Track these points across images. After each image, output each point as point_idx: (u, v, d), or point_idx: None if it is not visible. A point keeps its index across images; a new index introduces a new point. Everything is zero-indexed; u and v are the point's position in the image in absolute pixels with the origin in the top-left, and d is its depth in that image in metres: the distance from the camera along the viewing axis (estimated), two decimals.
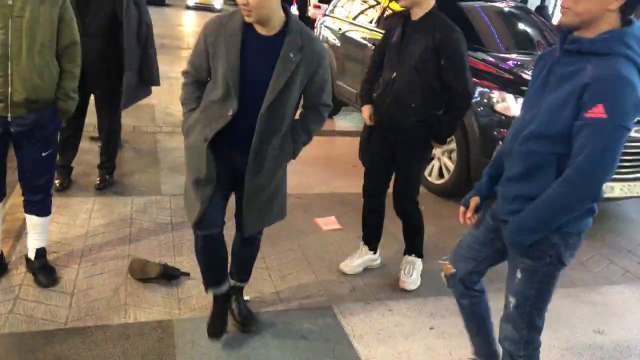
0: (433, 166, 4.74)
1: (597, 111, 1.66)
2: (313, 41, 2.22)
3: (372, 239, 3.33)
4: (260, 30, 2.18)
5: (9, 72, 2.44)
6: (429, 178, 4.74)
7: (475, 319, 2.33)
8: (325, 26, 6.96)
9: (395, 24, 2.98)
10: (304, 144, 2.42)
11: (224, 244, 2.53)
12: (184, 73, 2.36)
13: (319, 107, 2.37)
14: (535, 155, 1.85)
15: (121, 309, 2.73)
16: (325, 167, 5.08)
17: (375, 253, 3.36)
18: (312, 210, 4.14)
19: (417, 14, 2.83)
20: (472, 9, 5.37)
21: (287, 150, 2.35)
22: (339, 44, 6.51)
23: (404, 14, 2.93)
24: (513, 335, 2.03)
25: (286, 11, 2.20)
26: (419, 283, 3.23)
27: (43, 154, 2.70)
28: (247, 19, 2.12)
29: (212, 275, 2.58)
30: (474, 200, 2.16)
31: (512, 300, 2.01)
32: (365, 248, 3.34)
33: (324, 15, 7.26)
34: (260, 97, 2.16)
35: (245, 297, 2.80)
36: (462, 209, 2.18)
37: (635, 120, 1.74)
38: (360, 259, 3.33)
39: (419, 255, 3.27)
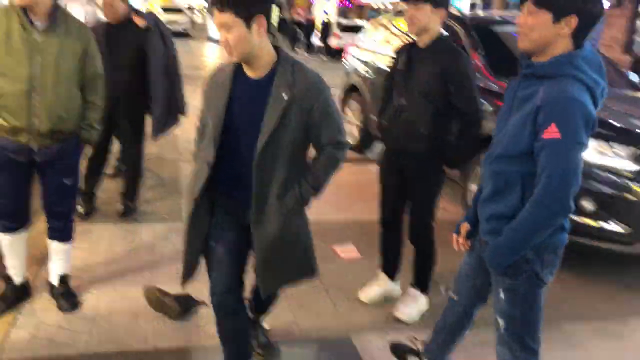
0: None
1: (552, 130, 1.77)
2: (306, 77, 2.03)
3: (390, 268, 3.30)
4: (250, 73, 2.05)
5: (35, 104, 2.53)
6: None
7: (452, 329, 2.39)
8: (354, 57, 6.70)
9: (402, 50, 3.02)
10: (315, 190, 2.16)
11: (241, 318, 2.31)
12: (196, 129, 2.27)
13: (326, 148, 2.11)
14: (502, 175, 1.96)
15: (140, 335, 2.74)
16: (348, 194, 5.08)
17: (394, 282, 3.33)
18: (331, 237, 4.12)
19: (423, 41, 2.86)
20: (508, 34, 5.07)
21: (294, 199, 2.12)
22: (369, 76, 6.20)
23: (410, 41, 2.97)
24: (509, 358, 2.07)
25: (277, 50, 2.06)
26: (416, 319, 3.11)
27: (66, 182, 2.78)
28: (231, 59, 2.00)
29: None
30: (464, 227, 2.23)
31: (501, 322, 2.06)
32: (384, 277, 3.31)
33: (352, 45, 6.99)
34: (251, 144, 2.02)
35: (265, 326, 2.77)
36: (454, 236, 2.26)
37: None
38: (379, 288, 3.30)
39: (424, 288, 3.18)
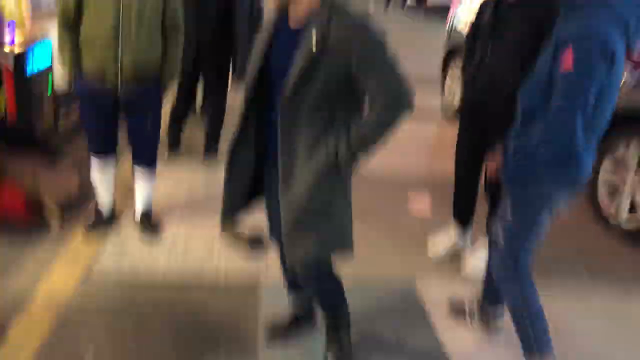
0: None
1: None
2: (344, 25, 1.78)
3: (461, 223, 3.24)
4: (290, 21, 1.88)
5: (119, 51, 2.71)
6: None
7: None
8: (459, 16, 5.91)
9: (488, 2, 2.82)
10: (355, 155, 1.85)
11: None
12: None
13: (375, 107, 1.82)
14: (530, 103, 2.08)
15: (214, 268, 2.91)
16: (429, 147, 4.99)
17: (464, 236, 3.26)
18: (407, 188, 4.08)
19: None
20: None
21: (327, 163, 1.85)
22: None
23: None
24: (499, 263, 2.22)
25: None
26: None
27: (149, 120, 2.96)
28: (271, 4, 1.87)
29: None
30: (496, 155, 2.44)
31: (500, 229, 2.19)
32: (455, 230, 3.25)
33: (458, 3, 6.16)
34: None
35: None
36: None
37: None
38: (448, 239, 3.25)
39: None
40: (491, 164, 2.44)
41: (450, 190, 3.21)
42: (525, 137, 2.04)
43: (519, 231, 2.15)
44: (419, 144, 5.09)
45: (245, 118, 1.98)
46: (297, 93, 1.81)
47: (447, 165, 4.42)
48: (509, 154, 2.13)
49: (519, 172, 2.08)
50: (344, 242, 1.99)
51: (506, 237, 2.18)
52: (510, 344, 2.54)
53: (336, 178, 1.91)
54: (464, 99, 3.01)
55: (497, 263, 2.26)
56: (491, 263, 2.33)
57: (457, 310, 2.66)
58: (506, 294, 2.26)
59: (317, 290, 2.18)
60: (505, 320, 2.63)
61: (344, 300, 2.27)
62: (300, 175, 1.87)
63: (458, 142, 3.09)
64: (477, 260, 3.08)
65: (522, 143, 2.06)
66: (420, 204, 3.87)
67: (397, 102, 1.80)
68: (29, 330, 2.33)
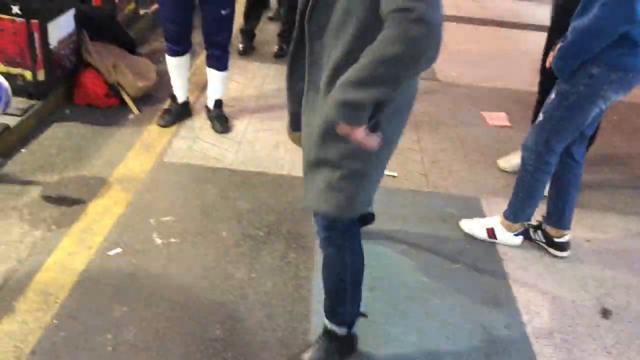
0: None
1: None
2: None
3: None
4: None
5: None
6: None
7: (558, 186, 2.43)
8: None
9: None
10: (350, 88, 1.28)
11: None
12: None
13: (388, 18, 1.22)
14: None
15: (278, 163, 2.97)
16: (506, 61, 4.71)
17: None
18: (482, 103, 3.92)
19: None
20: None
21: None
22: None
23: None
24: (530, 145, 2.29)
25: None
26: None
27: (223, 12, 2.95)
28: None
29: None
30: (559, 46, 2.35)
31: (541, 116, 2.25)
32: None
33: None
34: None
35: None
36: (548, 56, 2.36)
37: None
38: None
39: None
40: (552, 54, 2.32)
41: (526, 100, 3.05)
42: (581, 18, 2.02)
43: (556, 114, 2.19)
44: (491, 50, 4.81)
45: (301, 29, 1.54)
46: (321, 8, 1.41)
47: (522, 75, 4.21)
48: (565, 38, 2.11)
49: (570, 56, 2.07)
50: (343, 211, 1.57)
51: (545, 117, 2.23)
52: (571, 271, 2.49)
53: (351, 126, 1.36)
54: (553, 6, 2.77)
55: (529, 139, 2.32)
56: (525, 139, 2.37)
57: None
58: (525, 164, 2.34)
59: (323, 245, 1.73)
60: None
61: (353, 292, 1.77)
62: (318, 114, 1.50)
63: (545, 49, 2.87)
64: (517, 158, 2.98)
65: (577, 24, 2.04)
66: (497, 120, 3.71)
67: (408, 9, 1.17)
68: (107, 207, 2.51)
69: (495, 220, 2.53)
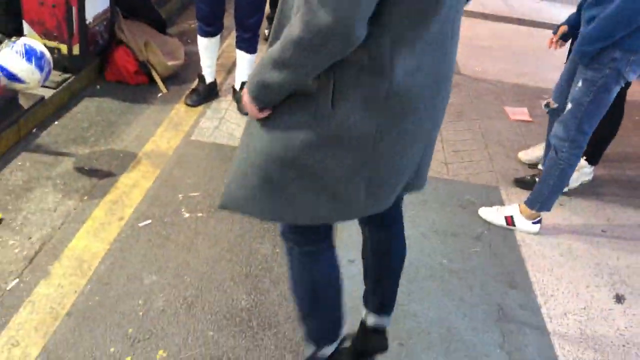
0: None
1: None
2: None
3: None
4: None
5: None
6: None
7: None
8: None
9: None
10: (273, 52, 1.16)
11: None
12: None
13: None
14: None
15: None
16: (529, 59, 4.72)
17: None
18: (505, 98, 3.95)
19: None
20: None
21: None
22: None
23: None
24: (561, 134, 2.39)
25: None
26: (576, 185, 2.93)
27: None
28: None
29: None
30: (562, 28, 2.60)
31: (569, 105, 2.36)
32: None
33: None
34: None
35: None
36: (552, 35, 2.63)
37: None
38: (541, 151, 3.15)
39: (593, 159, 2.96)
40: (553, 37, 2.62)
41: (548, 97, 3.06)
42: (596, 7, 2.20)
43: (586, 100, 2.30)
44: (517, 47, 4.83)
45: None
46: None
47: (546, 72, 4.23)
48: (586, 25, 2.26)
49: (594, 42, 2.20)
50: (280, 214, 1.35)
51: (575, 104, 2.33)
52: (587, 259, 2.54)
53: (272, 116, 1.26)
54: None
55: (558, 129, 2.41)
56: (552, 131, 2.47)
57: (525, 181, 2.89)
58: (558, 152, 2.41)
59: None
60: (585, 237, 2.62)
61: (312, 306, 1.56)
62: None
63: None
64: (539, 151, 3.08)
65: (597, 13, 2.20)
66: (519, 115, 3.74)
67: (311, 11, 1.06)
68: (136, 180, 2.59)
69: (514, 209, 2.58)
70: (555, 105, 2.61)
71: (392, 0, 1.11)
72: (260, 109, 1.25)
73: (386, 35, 1.15)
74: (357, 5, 1.05)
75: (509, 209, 2.61)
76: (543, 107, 2.71)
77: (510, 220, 2.57)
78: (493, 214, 2.61)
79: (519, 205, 2.58)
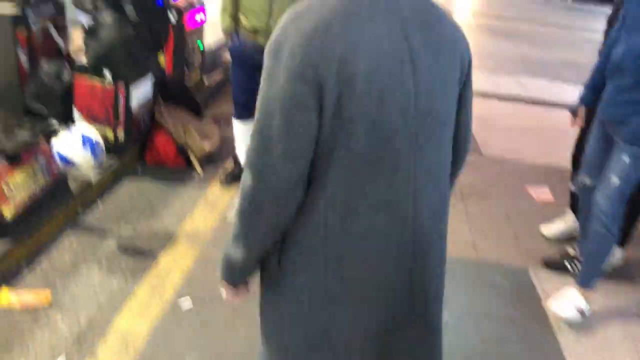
0: None
1: None
2: None
3: (577, 208, 3.18)
4: None
5: (274, 9, 2.93)
6: None
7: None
8: None
9: None
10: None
11: None
12: None
13: None
14: None
15: None
16: (546, 139, 4.87)
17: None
18: (528, 179, 4.06)
19: None
20: None
21: None
22: None
23: None
24: (607, 209, 2.41)
25: None
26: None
27: None
28: None
29: None
30: (581, 110, 2.77)
31: (616, 180, 2.39)
32: (571, 216, 3.21)
33: None
34: None
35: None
36: (570, 117, 2.84)
37: None
38: (564, 224, 3.23)
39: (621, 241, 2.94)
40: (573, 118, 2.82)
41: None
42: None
43: (635, 176, 2.39)
44: (531, 127, 4.98)
45: None
46: None
47: (566, 152, 4.33)
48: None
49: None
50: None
51: (624, 180, 2.38)
52: (625, 345, 2.53)
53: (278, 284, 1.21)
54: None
55: (603, 204, 2.43)
56: (597, 207, 2.46)
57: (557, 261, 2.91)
58: (604, 227, 2.44)
59: None
60: (620, 321, 2.62)
61: None
62: None
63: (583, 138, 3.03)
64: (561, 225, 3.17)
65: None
66: (541, 195, 3.83)
67: (244, 176, 1.11)
68: (176, 260, 2.69)
69: (581, 300, 2.54)
70: (589, 182, 2.62)
71: (327, 160, 1.05)
72: (234, 289, 1.24)
73: (320, 197, 1.08)
74: (282, 168, 1.02)
75: (578, 300, 2.54)
76: (574, 185, 2.75)
77: (582, 312, 2.54)
78: (565, 308, 2.55)
79: (576, 289, 2.55)
